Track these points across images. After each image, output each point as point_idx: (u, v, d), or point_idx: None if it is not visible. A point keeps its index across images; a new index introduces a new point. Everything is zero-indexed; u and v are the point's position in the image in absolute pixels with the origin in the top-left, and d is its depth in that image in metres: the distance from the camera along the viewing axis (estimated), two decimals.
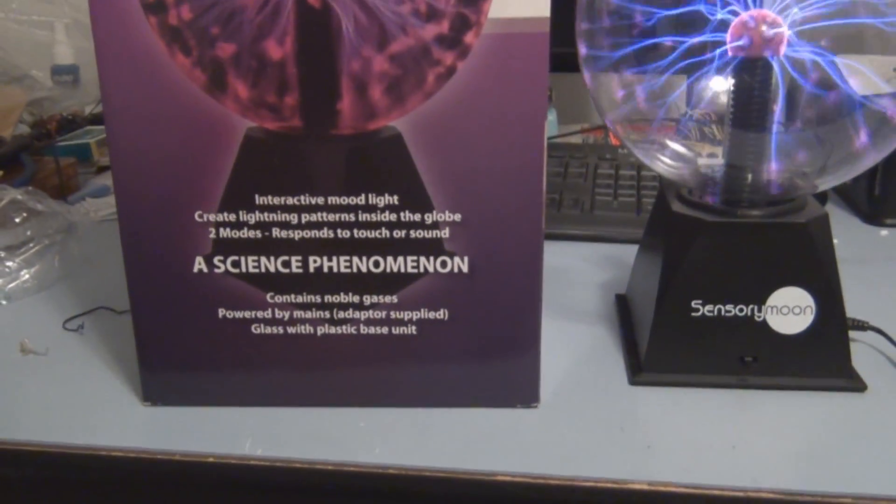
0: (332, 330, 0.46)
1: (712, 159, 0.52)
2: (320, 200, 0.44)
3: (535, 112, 0.42)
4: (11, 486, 0.47)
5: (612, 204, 0.77)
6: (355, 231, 0.44)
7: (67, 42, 1.18)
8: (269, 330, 0.46)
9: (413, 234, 0.44)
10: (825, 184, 0.51)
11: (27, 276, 0.64)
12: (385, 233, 0.44)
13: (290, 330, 0.46)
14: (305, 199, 0.44)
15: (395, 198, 0.44)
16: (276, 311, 0.46)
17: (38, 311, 0.61)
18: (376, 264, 0.45)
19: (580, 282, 0.65)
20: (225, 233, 0.45)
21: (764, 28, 0.46)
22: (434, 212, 0.44)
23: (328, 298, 0.46)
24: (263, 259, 0.45)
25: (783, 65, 0.47)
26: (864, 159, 0.50)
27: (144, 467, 0.44)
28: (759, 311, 0.48)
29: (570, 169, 0.83)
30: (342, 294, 0.46)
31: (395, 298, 0.46)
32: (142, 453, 0.44)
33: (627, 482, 0.41)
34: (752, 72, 0.47)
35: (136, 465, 0.44)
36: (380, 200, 0.44)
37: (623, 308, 0.59)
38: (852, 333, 0.51)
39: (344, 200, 0.44)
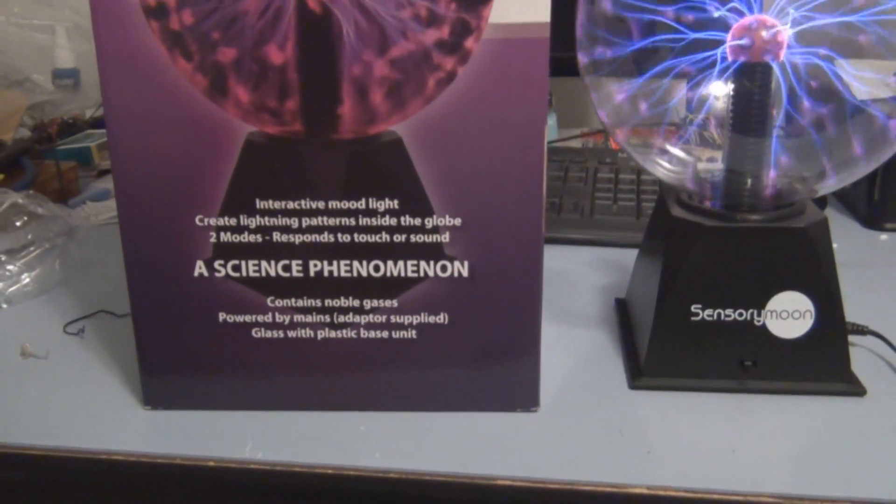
0: (333, 334, 0.46)
1: (712, 163, 0.52)
2: (321, 205, 0.44)
3: (536, 117, 0.42)
4: (12, 489, 0.47)
5: (612, 208, 0.77)
6: (356, 235, 0.44)
7: (68, 46, 1.19)
8: (269, 334, 0.46)
9: (413, 238, 0.44)
10: (824, 189, 0.51)
11: (28, 279, 0.64)
12: (385, 237, 0.44)
13: (291, 334, 0.46)
14: (306, 204, 0.44)
15: (396, 202, 0.44)
16: (277, 315, 0.46)
17: (38, 315, 0.61)
18: (377, 268, 0.45)
19: (580, 286, 0.65)
20: (225, 237, 0.45)
21: (764, 33, 0.46)
22: (434, 216, 0.44)
23: (328, 302, 0.46)
24: (264, 263, 0.45)
25: (783, 70, 0.47)
26: (864, 164, 0.50)
27: (145, 471, 0.44)
28: (759, 315, 0.48)
29: (570, 173, 0.83)
30: (342, 298, 0.46)
31: (395, 302, 0.46)
32: (142, 457, 0.44)
33: (627, 486, 0.41)
34: (751, 77, 0.47)
35: (137, 469, 0.44)
36: (380, 205, 0.44)
37: (623, 312, 0.59)
38: (852, 338, 0.52)
39: (344, 205, 0.44)
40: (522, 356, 0.47)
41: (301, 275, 0.45)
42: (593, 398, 0.49)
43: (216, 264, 0.45)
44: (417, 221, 0.44)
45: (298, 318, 0.46)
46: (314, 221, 0.44)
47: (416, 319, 0.46)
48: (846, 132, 0.49)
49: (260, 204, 0.44)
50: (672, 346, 0.49)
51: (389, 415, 0.47)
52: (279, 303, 0.46)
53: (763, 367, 0.49)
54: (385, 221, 0.44)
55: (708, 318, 0.48)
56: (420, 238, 0.44)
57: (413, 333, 0.46)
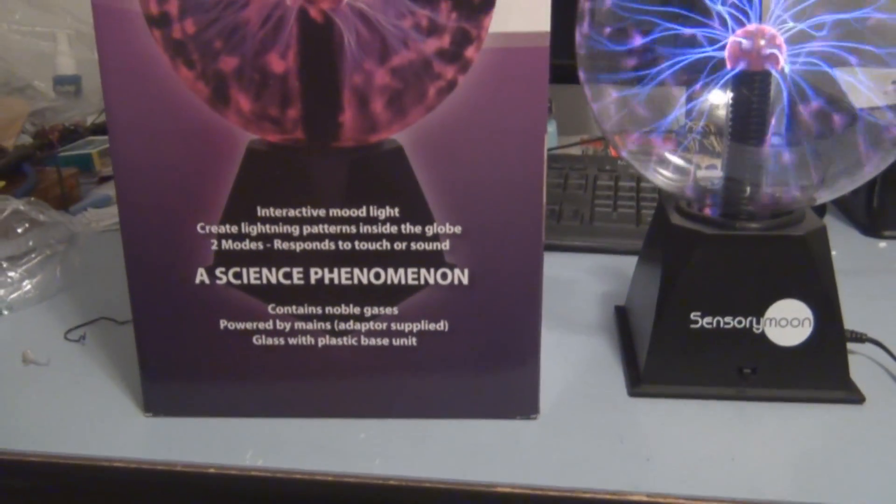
0: (333, 341, 0.46)
1: (711, 171, 0.52)
2: (322, 212, 0.44)
3: (535, 126, 0.43)
4: (13, 496, 0.47)
5: (612, 215, 0.77)
6: (356, 243, 0.45)
7: (69, 52, 1.19)
8: (270, 341, 0.46)
9: (414, 246, 0.45)
10: (823, 197, 0.51)
11: (29, 286, 0.64)
12: (386, 245, 0.45)
13: (291, 341, 0.46)
14: (307, 211, 0.44)
15: (396, 210, 0.44)
16: (278, 322, 0.46)
17: (39, 322, 0.61)
18: (377, 276, 0.45)
19: (580, 293, 0.65)
20: (227, 244, 0.45)
21: (762, 42, 0.47)
22: (435, 224, 0.44)
23: (329, 310, 0.46)
24: (265, 270, 0.45)
25: (782, 78, 0.47)
26: (863, 172, 0.50)
27: (145, 478, 0.44)
28: (758, 323, 0.48)
29: (569, 180, 0.84)
30: (343, 305, 0.46)
31: (395, 310, 0.46)
32: (143, 464, 0.44)
33: (627, 493, 0.41)
34: (750, 85, 0.48)
35: (137, 476, 0.44)
36: (381, 213, 0.44)
37: (622, 319, 0.59)
38: (850, 345, 0.52)
39: (345, 212, 0.44)
40: (522, 363, 0.47)
41: (302, 282, 0.45)
42: (593, 405, 0.49)
43: (217, 271, 0.45)
44: (418, 229, 0.44)
45: (299, 325, 0.46)
46: (315, 229, 0.44)
47: (416, 327, 0.46)
48: (845, 140, 0.49)
49: (261, 211, 0.44)
50: (671, 353, 0.50)
51: (389, 422, 0.47)
52: (280, 310, 0.46)
53: (762, 374, 0.49)
54: (385, 229, 0.44)
55: (707, 326, 0.49)
56: (420, 246, 0.45)
57: (413, 341, 0.46)
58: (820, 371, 0.49)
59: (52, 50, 1.18)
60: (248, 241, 0.45)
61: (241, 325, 0.46)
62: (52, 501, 0.47)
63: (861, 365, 0.52)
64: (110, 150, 0.44)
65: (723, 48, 0.47)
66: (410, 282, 0.45)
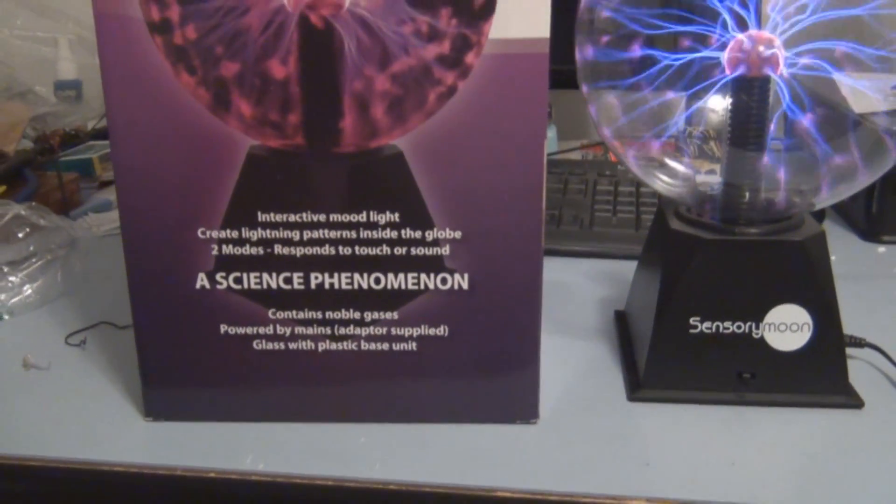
0: (333, 346, 0.47)
1: (710, 176, 0.53)
2: (322, 218, 0.44)
3: (535, 131, 0.43)
4: (13, 500, 0.47)
5: (612, 220, 0.78)
6: (356, 248, 0.45)
7: (71, 58, 1.19)
8: (270, 346, 0.47)
9: (414, 251, 0.45)
10: (822, 202, 0.51)
11: (30, 290, 0.64)
12: (386, 250, 0.45)
13: (292, 346, 0.47)
14: (307, 217, 0.44)
15: (396, 215, 0.44)
16: (278, 327, 0.46)
17: (40, 326, 0.61)
18: (377, 281, 0.45)
19: (579, 298, 0.65)
20: (227, 249, 0.45)
21: (761, 48, 0.47)
22: (435, 229, 0.44)
23: (329, 315, 0.46)
24: (265, 275, 0.45)
25: (780, 84, 0.48)
26: (862, 178, 0.50)
27: (146, 482, 0.44)
28: (757, 327, 0.48)
29: (569, 185, 0.84)
30: (343, 310, 0.46)
31: (395, 315, 0.46)
32: (143, 468, 0.44)
33: (626, 498, 0.41)
34: (749, 91, 0.48)
35: (138, 481, 0.44)
36: (381, 218, 0.44)
37: (622, 324, 0.59)
38: (850, 350, 0.52)
39: (345, 218, 0.44)
40: (522, 368, 0.47)
41: (302, 287, 0.46)
42: (592, 410, 0.49)
43: (218, 276, 0.45)
44: (418, 234, 0.44)
45: (299, 330, 0.46)
46: (315, 234, 0.45)
47: (416, 332, 0.46)
48: (844, 146, 0.49)
49: (262, 217, 0.44)
50: (671, 358, 0.50)
51: (389, 426, 0.47)
52: (280, 315, 0.46)
53: (761, 379, 0.49)
54: (386, 234, 0.44)
55: (706, 331, 0.49)
56: (420, 251, 0.45)
57: (413, 345, 0.46)
58: (819, 376, 0.49)
59: (53, 55, 1.18)
60: (248, 246, 0.45)
61: (241, 330, 0.46)
62: None
63: (860, 370, 0.53)
64: (111, 154, 0.44)
65: (722, 54, 0.48)
66: (410, 287, 0.45)
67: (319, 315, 0.46)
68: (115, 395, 0.51)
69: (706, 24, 0.48)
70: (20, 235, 0.66)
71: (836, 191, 0.51)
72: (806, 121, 0.48)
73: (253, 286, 0.46)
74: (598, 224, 0.77)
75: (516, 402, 0.48)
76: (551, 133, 1.03)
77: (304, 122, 0.43)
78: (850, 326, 0.51)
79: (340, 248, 0.45)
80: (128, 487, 0.45)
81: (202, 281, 0.46)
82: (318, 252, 0.45)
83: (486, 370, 0.47)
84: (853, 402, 0.49)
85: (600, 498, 0.42)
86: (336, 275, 0.45)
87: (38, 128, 1.08)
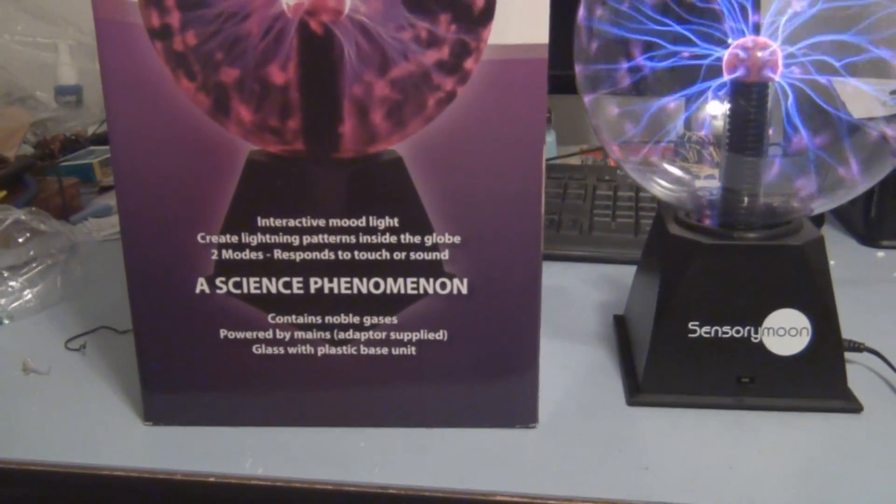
0: (333, 350, 0.47)
1: (709, 181, 0.53)
2: (321, 222, 0.44)
3: (534, 137, 0.43)
4: None
5: (611, 225, 0.78)
6: (356, 253, 0.45)
7: (71, 63, 1.20)
8: (270, 350, 0.47)
9: (413, 255, 0.45)
10: (821, 207, 0.51)
11: (30, 295, 0.64)
12: (385, 255, 0.45)
13: (291, 350, 0.47)
14: (307, 222, 0.44)
15: (396, 220, 0.44)
16: (278, 331, 0.46)
17: (40, 331, 0.61)
18: (376, 286, 0.45)
19: (579, 302, 0.65)
20: (227, 254, 0.45)
21: (759, 54, 0.47)
22: (434, 234, 0.44)
23: (329, 319, 0.46)
24: (265, 280, 0.46)
25: (779, 89, 0.48)
26: (860, 183, 0.50)
27: (146, 487, 0.44)
28: (756, 332, 0.49)
29: (568, 190, 0.84)
30: (343, 315, 0.46)
31: (394, 319, 0.46)
32: (143, 473, 0.45)
33: (625, 502, 0.41)
34: (747, 96, 0.48)
35: (138, 485, 0.44)
36: (380, 223, 0.44)
37: (621, 329, 0.59)
38: (848, 355, 0.52)
39: (345, 223, 0.44)
40: (521, 372, 0.47)
41: (302, 292, 0.46)
42: (592, 414, 0.49)
43: (217, 281, 0.46)
44: (417, 239, 0.45)
45: (299, 334, 0.46)
46: (315, 239, 0.45)
47: (415, 336, 0.46)
48: (843, 151, 0.50)
49: (261, 221, 0.44)
50: (670, 362, 0.50)
51: (389, 431, 0.47)
52: (280, 319, 0.46)
53: (760, 383, 0.49)
54: (385, 239, 0.45)
55: (705, 335, 0.49)
56: (420, 255, 0.45)
57: (412, 350, 0.46)
58: (818, 380, 0.49)
59: (53, 60, 1.19)
60: (248, 250, 0.45)
61: (241, 335, 0.46)
62: None
63: (859, 374, 0.53)
64: (111, 160, 0.44)
65: (720, 60, 0.48)
66: (410, 291, 0.46)
67: (319, 320, 0.46)
68: (114, 399, 0.51)
69: (704, 29, 0.48)
70: (20, 240, 0.66)
71: (834, 196, 0.51)
72: (804, 126, 0.48)
73: (252, 291, 0.46)
74: (597, 229, 0.77)
75: (515, 407, 0.48)
76: (550, 138, 1.03)
77: (304, 127, 0.43)
78: (848, 331, 0.51)
79: (340, 252, 0.45)
80: (127, 492, 0.45)
81: (202, 286, 0.46)
82: (318, 257, 0.45)
83: (485, 374, 0.47)
84: (852, 406, 0.49)
85: (599, 502, 0.42)
86: (335, 279, 0.45)
87: (39, 133, 1.09)
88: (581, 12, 0.51)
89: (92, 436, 0.48)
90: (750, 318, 0.48)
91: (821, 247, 0.49)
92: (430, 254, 0.45)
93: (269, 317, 0.46)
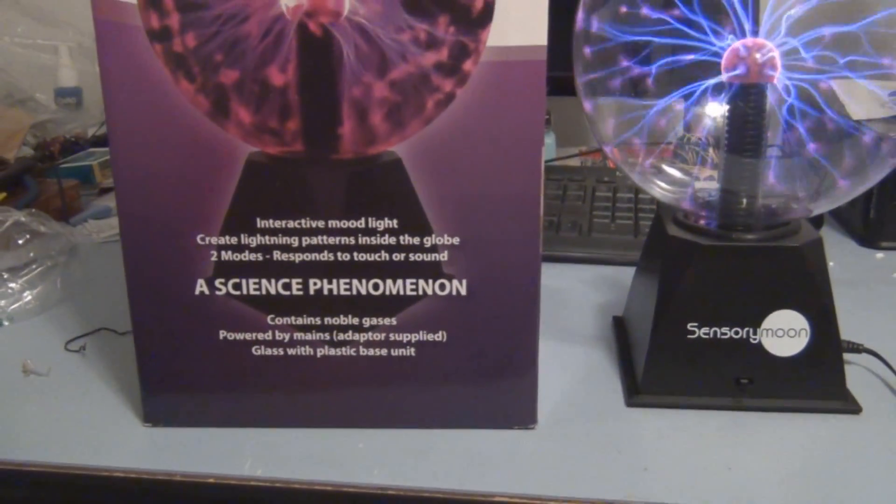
0: (332, 352, 0.47)
1: (707, 182, 0.53)
2: (321, 224, 0.44)
3: (533, 138, 0.43)
4: None
5: (610, 226, 0.78)
6: (355, 254, 0.45)
7: (71, 65, 1.20)
8: (269, 351, 0.47)
9: (412, 257, 0.45)
10: (819, 208, 0.52)
11: (30, 297, 0.64)
12: (384, 256, 0.45)
13: (291, 351, 0.47)
14: (306, 223, 0.44)
15: (395, 221, 0.44)
16: (277, 332, 0.46)
17: (40, 332, 0.61)
18: (376, 287, 0.46)
19: (578, 304, 0.65)
20: (226, 255, 0.45)
21: (758, 55, 0.47)
22: (433, 235, 0.44)
23: (328, 320, 0.46)
24: (264, 281, 0.46)
25: (777, 91, 0.48)
26: (859, 184, 0.50)
27: (145, 488, 0.45)
28: (755, 333, 0.49)
29: (568, 192, 0.84)
30: (342, 316, 0.46)
31: (394, 320, 0.46)
32: (142, 474, 0.45)
33: (624, 503, 0.41)
34: (746, 98, 0.48)
35: (137, 486, 0.45)
36: (379, 224, 0.44)
37: (620, 330, 0.59)
38: (847, 356, 0.52)
39: (344, 224, 0.44)
40: (520, 374, 0.47)
41: (301, 293, 0.46)
42: (590, 415, 0.49)
43: (217, 282, 0.46)
44: (416, 240, 0.45)
45: (298, 335, 0.46)
46: (314, 240, 0.45)
47: (414, 337, 0.46)
48: (841, 152, 0.50)
49: (261, 223, 0.45)
50: (669, 363, 0.50)
51: (388, 432, 0.48)
52: (279, 321, 0.46)
53: (759, 384, 0.49)
54: (384, 240, 0.45)
55: (704, 336, 0.49)
56: (419, 257, 0.45)
57: (412, 351, 0.47)
58: (817, 381, 0.49)
59: (53, 62, 1.19)
60: (247, 252, 0.45)
61: (240, 336, 0.46)
62: None
63: (858, 375, 0.53)
64: (111, 161, 0.44)
65: (719, 60, 0.48)
66: (409, 293, 0.46)
67: (318, 321, 0.46)
68: (114, 400, 0.51)
69: (703, 31, 0.48)
70: (20, 242, 0.66)
71: (833, 197, 0.51)
72: (803, 127, 0.48)
73: (252, 292, 0.46)
74: (596, 230, 0.77)
75: (514, 408, 0.48)
76: (550, 140, 1.03)
77: (303, 128, 0.43)
78: (847, 332, 0.51)
79: (339, 254, 0.45)
80: (127, 493, 0.45)
81: (201, 287, 0.46)
82: (317, 258, 0.45)
83: (484, 376, 0.47)
84: (851, 407, 0.49)
85: (598, 502, 0.42)
86: (335, 281, 0.45)
87: (39, 135, 1.09)
88: (579, 15, 0.51)
89: (92, 437, 0.48)
90: (749, 319, 0.48)
91: (819, 248, 0.49)
92: (429, 255, 0.45)
93: (269, 318, 0.46)
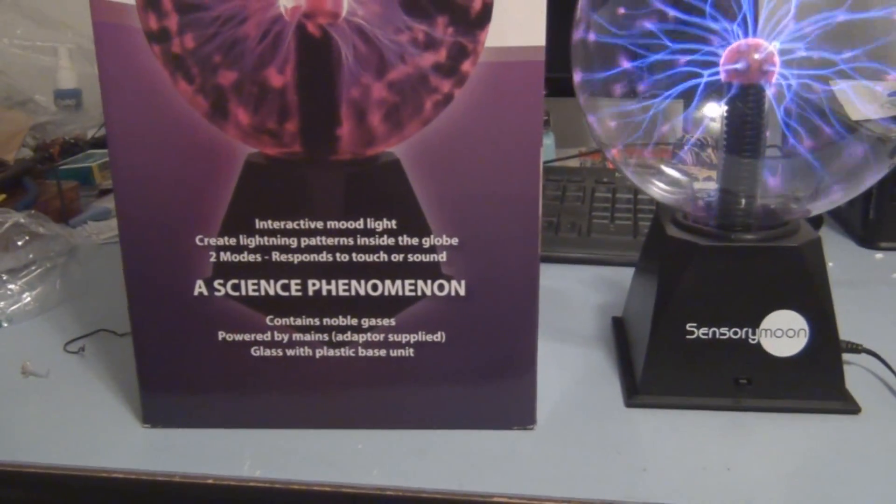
0: (331, 352, 0.47)
1: (706, 183, 0.53)
2: (319, 225, 0.44)
3: (531, 139, 0.43)
4: None
5: (609, 227, 0.78)
6: (354, 255, 0.45)
7: (70, 67, 1.20)
8: (268, 352, 0.47)
9: (411, 257, 0.45)
10: (818, 208, 0.52)
11: (29, 298, 0.64)
12: (383, 257, 0.45)
13: (289, 352, 0.47)
14: (305, 224, 0.45)
15: (394, 222, 0.44)
16: (276, 333, 0.46)
17: (39, 334, 0.61)
18: (374, 287, 0.46)
19: (577, 304, 0.65)
20: (225, 256, 0.45)
21: (756, 56, 0.47)
22: (432, 236, 0.44)
23: (327, 321, 0.46)
24: (263, 282, 0.46)
25: (776, 91, 0.48)
26: (858, 184, 0.50)
27: (144, 489, 0.45)
28: (754, 333, 0.49)
29: (567, 192, 0.84)
30: (341, 317, 0.46)
31: (392, 321, 0.46)
32: (142, 475, 0.45)
33: (623, 503, 0.42)
34: (744, 98, 0.48)
35: (136, 487, 0.45)
36: (378, 225, 0.44)
37: (619, 330, 0.59)
38: (846, 356, 0.52)
39: (343, 225, 0.44)
40: (519, 374, 0.47)
41: (300, 294, 0.46)
42: (590, 416, 0.49)
43: (216, 283, 0.46)
44: (415, 241, 0.45)
45: (297, 336, 0.46)
46: (313, 241, 0.45)
47: (413, 338, 0.46)
48: (840, 152, 0.50)
49: (259, 224, 0.45)
50: (668, 364, 0.50)
51: (387, 433, 0.48)
52: (278, 322, 0.46)
53: (758, 384, 0.49)
54: (383, 241, 0.45)
55: (703, 337, 0.49)
56: (418, 257, 0.45)
57: (411, 352, 0.47)
58: (816, 382, 0.49)
59: (53, 64, 1.19)
60: (246, 253, 0.45)
61: (239, 337, 0.47)
62: None
63: (857, 375, 0.53)
64: (110, 163, 0.44)
65: (717, 61, 0.48)
66: (408, 293, 0.46)
67: (317, 322, 0.46)
68: (113, 402, 0.51)
69: (703, 32, 0.48)
70: (20, 243, 0.66)
71: (832, 197, 0.51)
72: (801, 128, 0.48)
73: (251, 293, 0.46)
74: (595, 231, 0.77)
75: (514, 408, 0.48)
76: (549, 140, 1.03)
77: (302, 129, 0.43)
78: (846, 332, 0.51)
79: (338, 254, 0.45)
80: (126, 494, 0.45)
81: (200, 288, 0.46)
82: (316, 259, 0.45)
83: (483, 376, 0.47)
84: (850, 407, 0.49)
85: (597, 503, 0.42)
86: (333, 281, 0.45)
87: (38, 136, 1.09)
88: (577, 16, 0.51)
89: (91, 438, 0.48)
90: (748, 319, 0.48)
91: (818, 248, 0.49)
92: (427, 255, 0.45)
93: (268, 319, 0.46)
